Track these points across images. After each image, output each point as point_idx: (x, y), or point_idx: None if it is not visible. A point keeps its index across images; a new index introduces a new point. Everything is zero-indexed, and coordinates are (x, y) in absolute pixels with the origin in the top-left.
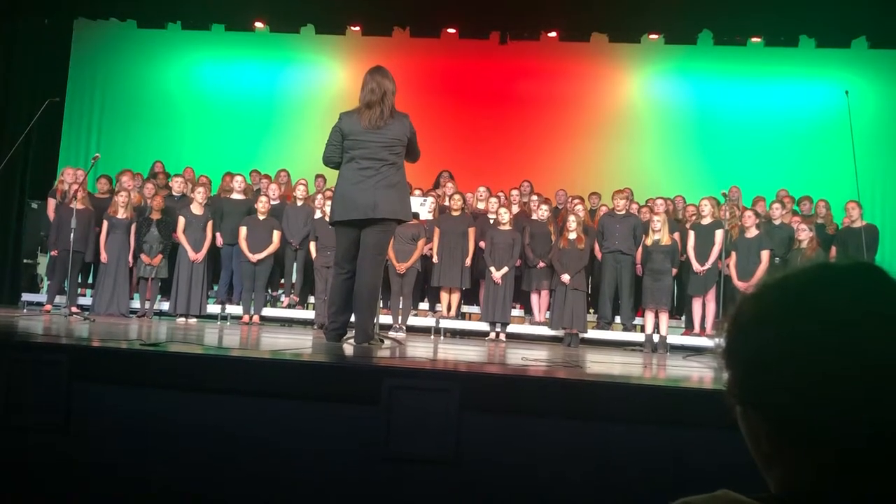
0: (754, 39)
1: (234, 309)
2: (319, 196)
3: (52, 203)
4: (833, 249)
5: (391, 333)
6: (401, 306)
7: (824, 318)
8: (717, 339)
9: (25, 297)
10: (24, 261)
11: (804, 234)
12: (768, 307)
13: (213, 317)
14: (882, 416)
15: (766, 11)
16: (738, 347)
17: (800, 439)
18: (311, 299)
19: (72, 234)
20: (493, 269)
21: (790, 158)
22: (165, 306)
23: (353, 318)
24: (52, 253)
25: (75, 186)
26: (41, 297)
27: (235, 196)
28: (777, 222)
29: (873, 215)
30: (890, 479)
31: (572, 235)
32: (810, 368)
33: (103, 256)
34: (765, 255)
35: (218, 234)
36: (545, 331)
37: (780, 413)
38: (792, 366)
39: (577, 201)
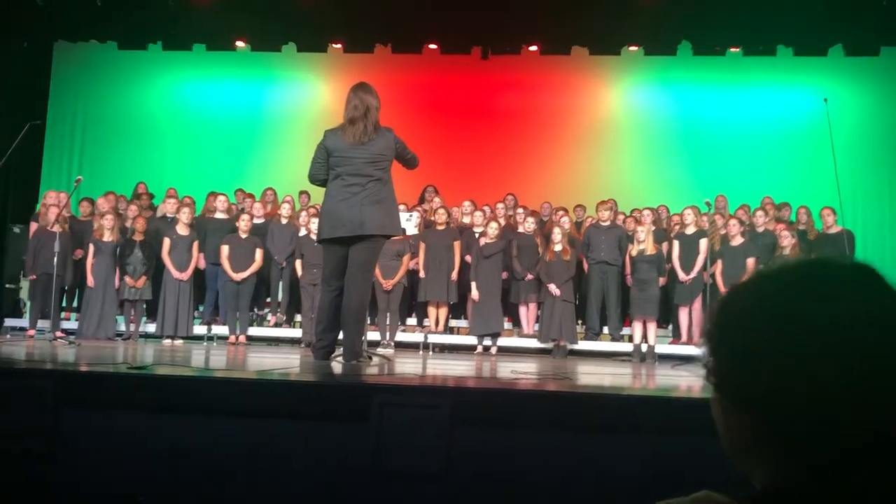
0: (733, 49)
1: (221, 329)
2: (304, 213)
3: (34, 227)
4: (813, 256)
5: (379, 350)
6: (388, 322)
7: (808, 317)
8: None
9: (8, 321)
10: (7, 285)
11: (787, 241)
12: (755, 302)
13: (199, 338)
14: (862, 419)
15: (744, 21)
16: (722, 337)
17: (777, 437)
18: (298, 318)
19: (55, 259)
20: (474, 284)
21: (772, 166)
22: (151, 328)
23: (340, 336)
24: (31, 277)
25: (55, 210)
26: (24, 321)
27: (219, 216)
28: (760, 229)
29: (854, 220)
30: (867, 483)
31: (558, 247)
32: (792, 367)
33: (90, 280)
34: (750, 262)
35: (201, 255)
36: (534, 343)
37: (759, 410)
38: (774, 363)
39: (561, 213)
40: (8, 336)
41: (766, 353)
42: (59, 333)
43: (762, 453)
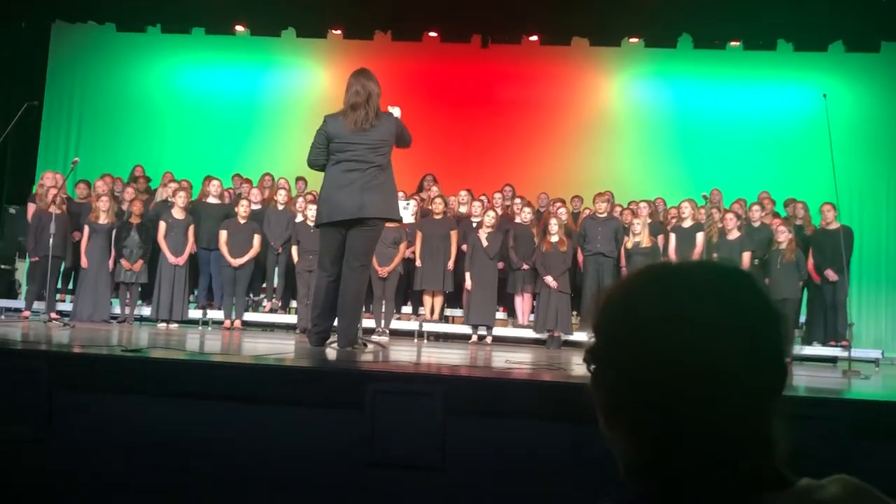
0: (733, 43)
1: (216, 314)
2: (301, 199)
3: (31, 208)
4: (811, 251)
5: (374, 337)
6: (383, 310)
7: (665, 313)
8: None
9: (3, 303)
10: (2, 266)
11: (783, 236)
12: (618, 302)
13: (194, 322)
14: (693, 416)
15: (745, 16)
16: (595, 332)
17: (624, 421)
18: (294, 303)
19: (51, 240)
20: (468, 274)
21: (770, 160)
22: (146, 311)
23: (336, 323)
24: (33, 259)
25: (53, 191)
26: (19, 303)
27: (212, 200)
28: (756, 224)
29: (851, 216)
30: (697, 479)
31: (554, 238)
32: (640, 357)
33: (84, 262)
34: (746, 256)
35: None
36: (529, 333)
37: (609, 388)
38: (625, 348)
39: (558, 204)
40: (3, 317)
41: (617, 336)
42: (53, 315)
43: (614, 434)
